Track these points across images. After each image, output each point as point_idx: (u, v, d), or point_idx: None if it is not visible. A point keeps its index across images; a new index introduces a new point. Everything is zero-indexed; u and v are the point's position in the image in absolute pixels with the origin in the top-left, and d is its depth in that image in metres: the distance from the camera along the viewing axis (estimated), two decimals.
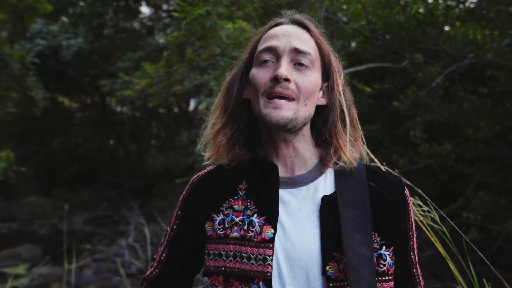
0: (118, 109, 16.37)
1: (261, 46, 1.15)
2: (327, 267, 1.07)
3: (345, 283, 1.06)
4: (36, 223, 12.86)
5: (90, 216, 13.33)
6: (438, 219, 1.71)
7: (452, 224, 1.77)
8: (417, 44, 5.77)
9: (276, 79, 1.09)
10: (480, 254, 1.66)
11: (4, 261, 9.65)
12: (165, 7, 14.37)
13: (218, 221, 1.18)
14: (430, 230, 1.69)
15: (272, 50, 1.13)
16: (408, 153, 5.46)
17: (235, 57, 5.32)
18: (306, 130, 1.19)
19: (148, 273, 1.30)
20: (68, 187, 15.33)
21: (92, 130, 16.20)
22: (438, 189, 5.97)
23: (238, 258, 1.12)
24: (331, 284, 1.07)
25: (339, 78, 1.19)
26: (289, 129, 1.13)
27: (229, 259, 1.13)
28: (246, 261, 1.11)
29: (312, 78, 1.13)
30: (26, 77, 7.95)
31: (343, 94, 1.18)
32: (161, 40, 12.82)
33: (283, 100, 1.10)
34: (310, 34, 1.17)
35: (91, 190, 15.24)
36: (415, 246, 1.19)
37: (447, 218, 1.75)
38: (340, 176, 1.18)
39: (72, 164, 16.02)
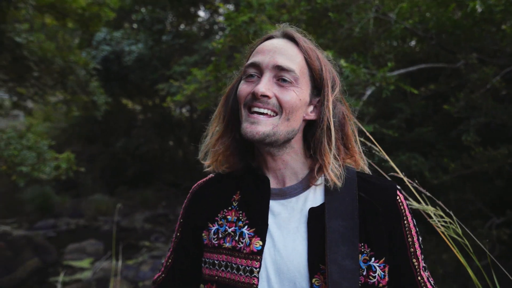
0: (177, 111, 16.90)
1: (249, 61, 1.17)
2: (313, 280, 1.08)
3: None
4: (100, 219, 13.60)
5: (150, 214, 13.89)
6: (460, 231, 1.65)
7: (476, 239, 1.70)
8: (473, 43, 5.50)
9: (254, 95, 1.11)
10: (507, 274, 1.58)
11: (71, 255, 10.30)
12: (221, 10, 14.66)
13: (213, 230, 1.21)
14: (451, 242, 1.63)
15: (256, 65, 1.14)
16: (461, 157, 5.22)
17: None
18: (296, 143, 1.20)
19: (156, 276, 1.37)
20: (130, 186, 16.06)
21: (153, 131, 16.83)
22: (493, 195, 5.65)
23: (229, 269, 1.15)
24: None
25: (331, 93, 1.16)
26: (269, 144, 1.14)
27: (221, 268, 1.17)
28: (236, 272, 1.14)
29: (295, 93, 1.12)
30: (89, 82, 8.42)
31: (333, 110, 1.16)
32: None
33: (261, 116, 1.11)
34: (299, 49, 1.16)
35: (151, 189, 15.86)
36: (418, 253, 1.15)
37: (469, 232, 1.67)
38: (330, 186, 1.17)
39: (134, 164, 16.74)
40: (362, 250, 1.10)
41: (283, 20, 5.63)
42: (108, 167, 16.91)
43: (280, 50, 1.14)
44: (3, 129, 5.74)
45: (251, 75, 1.16)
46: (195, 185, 1.36)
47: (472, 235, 1.69)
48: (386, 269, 1.11)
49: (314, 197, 1.18)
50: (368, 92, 5.86)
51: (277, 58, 1.13)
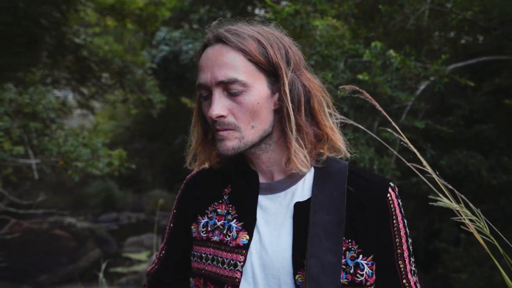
0: None
1: (197, 80, 1.12)
2: (297, 276, 1.05)
3: None
4: (159, 214, 14.09)
5: None
6: (487, 231, 1.51)
7: (507, 241, 1.55)
8: None
9: (211, 120, 1.08)
10: None
11: (130, 247, 10.77)
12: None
13: (202, 223, 1.20)
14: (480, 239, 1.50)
15: (202, 87, 1.10)
16: None
17: (326, 55, 5.25)
18: (277, 136, 1.15)
19: (149, 268, 1.37)
20: None
21: None
22: None
23: (214, 262, 1.14)
24: None
25: (285, 74, 1.08)
26: (248, 148, 1.11)
27: (208, 262, 1.15)
28: (221, 266, 1.12)
29: (249, 100, 1.06)
30: (146, 81, 8.71)
31: (290, 91, 1.09)
32: None
33: (225, 132, 1.08)
34: (235, 49, 1.06)
35: None
36: (405, 255, 1.09)
37: (498, 232, 1.53)
38: (319, 180, 1.13)
39: None
40: (350, 246, 1.06)
41: (331, 14, 5.50)
42: (168, 164, 17.47)
43: (216, 62, 1.06)
44: (67, 127, 6.08)
45: (205, 96, 1.11)
46: (189, 175, 1.34)
47: (501, 234, 1.54)
48: (374, 267, 1.06)
49: (302, 191, 1.14)
50: (422, 87, 5.59)
51: (216, 73, 1.06)
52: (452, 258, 5.47)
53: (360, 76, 4.74)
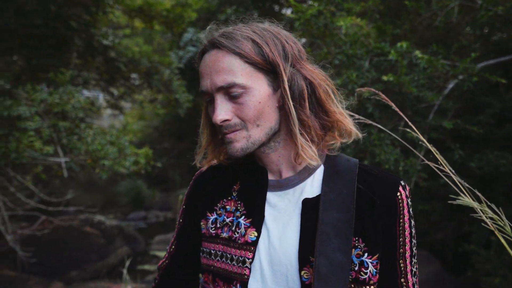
0: None
1: (200, 86, 1.13)
2: (302, 272, 1.05)
3: None
4: None
5: None
6: (509, 229, 1.46)
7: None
8: None
9: (216, 125, 1.09)
10: None
11: (158, 245, 10.92)
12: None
13: (211, 220, 1.21)
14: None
15: (204, 93, 1.11)
16: None
17: (350, 55, 5.19)
18: (284, 133, 1.15)
19: (160, 263, 1.38)
20: None
21: None
22: None
23: (224, 259, 1.15)
24: None
25: (284, 71, 1.08)
26: (255, 150, 1.12)
27: (217, 258, 1.16)
28: (229, 262, 1.13)
29: (251, 101, 1.07)
30: (172, 81, 8.83)
31: (290, 87, 1.08)
32: None
33: (232, 134, 1.09)
34: (231, 53, 1.07)
35: None
36: (407, 255, 1.09)
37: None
38: (329, 177, 1.13)
39: None
40: (356, 244, 1.06)
41: (355, 11, 5.43)
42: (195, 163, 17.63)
43: (214, 68, 1.07)
44: (95, 126, 6.22)
45: (209, 101, 1.13)
46: (197, 172, 1.36)
47: None
48: (379, 266, 1.06)
49: (311, 188, 1.14)
50: (450, 86, 5.45)
51: (215, 79, 1.07)
52: (483, 261, 5.31)
53: (385, 77, 4.66)
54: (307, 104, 1.10)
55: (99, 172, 5.34)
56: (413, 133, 1.70)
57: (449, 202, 1.89)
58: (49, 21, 6.12)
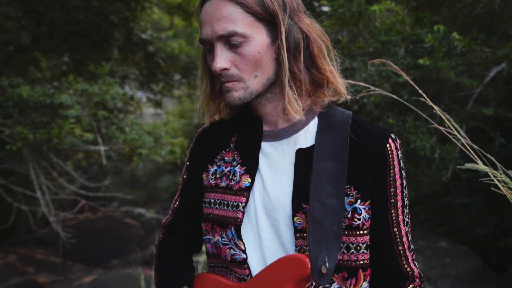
0: None
1: (199, 35, 1.14)
2: (295, 218, 1.09)
3: None
4: None
5: None
6: None
7: None
8: None
9: (215, 73, 1.10)
10: None
11: None
12: None
13: (211, 171, 1.25)
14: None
15: (204, 41, 1.11)
16: None
17: (385, 42, 5.10)
18: (280, 85, 1.15)
19: (164, 220, 1.42)
20: None
21: None
22: None
23: (221, 206, 1.19)
24: (298, 235, 1.09)
25: (282, 22, 1.08)
26: (254, 98, 1.14)
27: (216, 206, 1.20)
28: (225, 208, 1.17)
29: (250, 51, 1.08)
30: None
31: (286, 39, 1.09)
32: None
33: (230, 83, 1.10)
34: (234, 2, 1.07)
35: None
36: (399, 205, 1.12)
37: None
38: (322, 129, 1.15)
39: None
40: (348, 192, 1.09)
41: None
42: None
43: (215, 16, 1.07)
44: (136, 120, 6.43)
45: (208, 49, 1.13)
46: (200, 129, 1.39)
47: None
48: (371, 212, 1.10)
49: (305, 139, 1.17)
50: (492, 74, 5.26)
51: (216, 27, 1.07)
52: None
53: (421, 61, 4.55)
54: (301, 57, 1.12)
55: (136, 160, 5.51)
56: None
57: (458, 166, 1.84)
58: (91, 17, 6.37)
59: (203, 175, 1.28)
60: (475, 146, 1.60)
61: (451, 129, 1.67)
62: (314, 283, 1.08)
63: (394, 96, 1.79)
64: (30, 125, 5.01)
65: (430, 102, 1.75)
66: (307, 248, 1.04)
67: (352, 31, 5.64)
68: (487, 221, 6.30)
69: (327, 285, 1.09)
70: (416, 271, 1.15)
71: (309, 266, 0.98)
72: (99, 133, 5.54)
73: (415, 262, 1.16)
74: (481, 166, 1.58)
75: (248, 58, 1.09)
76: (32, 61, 7.01)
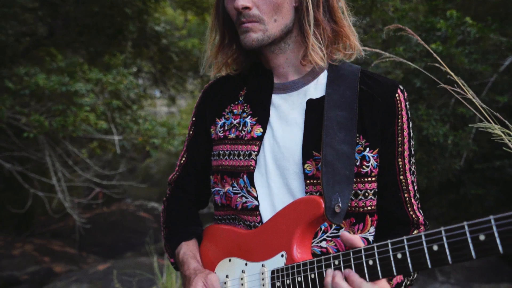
0: None
1: None
2: (306, 165, 1.12)
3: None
4: None
5: None
6: None
7: None
8: None
9: (237, 10, 1.12)
10: None
11: None
12: None
13: (219, 124, 1.28)
14: None
15: None
16: None
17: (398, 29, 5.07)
18: (295, 34, 1.19)
19: (171, 176, 1.44)
20: None
21: None
22: None
23: (231, 156, 1.21)
24: (308, 181, 1.11)
25: None
26: (269, 45, 1.16)
27: (225, 157, 1.23)
28: (237, 158, 1.20)
29: None
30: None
31: None
32: None
33: (249, 24, 1.13)
34: None
35: None
36: (406, 154, 1.16)
37: None
38: (332, 80, 1.18)
39: None
40: (358, 141, 1.12)
41: None
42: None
43: None
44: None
45: None
46: (206, 85, 1.42)
47: None
48: (379, 160, 1.13)
49: (315, 91, 1.20)
50: (507, 62, 5.20)
51: None
52: None
53: (433, 46, 4.52)
54: (321, 7, 1.15)
55: (149, 149, 5.57)
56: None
57: (470, 125, 1.84)
58: (105, 9, 6.45)
59: (211, 129, 1.30)
60: (486, 107, 1.61)
61: (465, 93, 1.68)
62: (323, 228, 1.11)
63: (409, 63, 1.79)
64: (46, 113, 5.10)
65: (446, 68, 1.76)
66: (319, 192, 1.07)
67: (365, 22, 5.62)
68: (502, 212, 6.22)
69: (335, 231, 1.11)
70: (421, 218, 1.17)
71: (323, 205, 1.00)
72: (113, 123, 5.61)
73: (420, 210, 1.18)
74: (493, 126, 1.58)
75: (270, 1, 1.12)
76: (48, 55, 7.13)
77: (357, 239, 0.91)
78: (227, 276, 1.17)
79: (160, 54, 8.88)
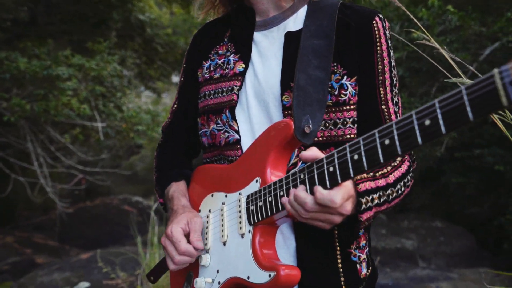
0: None
1: None
2: (283, 97, 1.14)
3: None
4: None
5: None
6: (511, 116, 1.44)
7: None
8: None
9: None
10: None
11: None
12: None
13: (206, 66, 1.31)
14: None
15: None
16: None
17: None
18: None
19: (163, 124, 1.47)
20: None
21: None
22: None
23: (216, 95, 1.24)
24: (286, 112, 1.13)
25: None
26: None
27: (210, 97, 1.25)
28: (220, 95, 1.23)
29: None
30: None
31: None
32: None
33: None
34: None
35: None
36: (387, 83, 1.15)
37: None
38: (311, 13, 1.20)
39: None
40: (335, 70, 1.13)
41: None
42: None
43: None
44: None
45: None
46: (196, 31, 1.45)
47: None
48: (357, 89, 1.13)
49: (294, 24, 1.22)
50: (487, 52, 5.30)
51: None
52: None
53: (415, 34, 4.59)
54: None
55: (134, 137, 5.55)
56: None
57: (445, 80, 1.87)
58: None
59: (198, 72, 1.33)
60: (458, 59, 1.64)
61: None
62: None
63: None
64: (28, 97, 5.06)
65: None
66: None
67: None
68: (482, 200, 6.34)
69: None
70: None
71: (293, 126, 1.01)
72: (97, 110, 5.58)
73: None
74: (462, 79, 1.61)
75: None
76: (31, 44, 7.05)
77: (316, 151, 0.92)
78: (209, 211, 1.19)
79: (145, 46, 8.84)
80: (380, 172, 1.03)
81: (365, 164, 0.79)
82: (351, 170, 0.82)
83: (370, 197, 0.97)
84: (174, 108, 1.44)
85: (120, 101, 5.80)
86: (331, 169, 0.86)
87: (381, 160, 0.77)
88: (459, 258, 5.74)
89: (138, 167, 17.06)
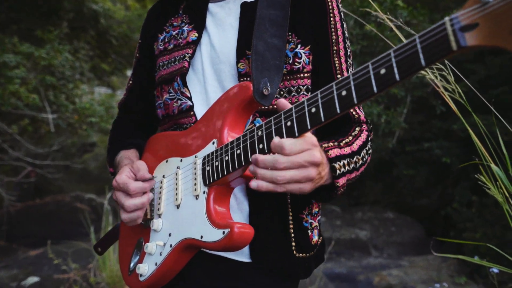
0: None
1: None
2: (239, 64, 1.15)
3: None
4: None
5: None
6: (458, 90, 1.52)
7: (468, 83, 1.58)
8: None
9: None
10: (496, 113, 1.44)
11: None
12: None
13: (160, 39, 1.30)
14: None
15: None
16: None
17: None
18: None
19: (119, 101, 1.46)
20: None
21: None
22: None
23: (169, 64, 1.23)
24: (241, 79, 1.14)
25: None
26: None
27: (164, 68, 1.25)
28: (172, 64, 1.22)
29: None
30: None
31: None
32: None
33: None
34: None
35: None
36: (341, 53, 1.18)
37: (463, 78, 1.57)
38: None
39: None
40: (290, 39, 1.15)
41: None
42: None
43: None
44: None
45: None
46: (151, 7, 1.44)
47: (466, 81, 1.55)
48: (311, 57, 1.16)
49: None
50: None
51: None
52: (464, 220, 5.38)
53: (367, 28, 4.72)
54: None
55: (86, 129, 5.38)
56: None
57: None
58: None
59: (154, 45, 1.32)
60: (413, 32, 1.70)
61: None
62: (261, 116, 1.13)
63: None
64: None
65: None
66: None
67: None
68: (431, 192, 6.61)
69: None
70: (362, 115, 1.18)
71: (252, 88, 1.02)
72: (47, 101, 5.37)
73: (361, 109, 1.20)
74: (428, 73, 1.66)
75: None
76: None
77: (284, 101, 0.93)
78: (163, 176, 1.18)
79: (99, 38, 8.60)
80: (344, 141, 1.05)
81: (322, 115, 0.80)
82: (308, 122, 0.83)
83: (342, 162, 0.98)
84: (129, 84, 1.42)
85: (72, 92, 5.60)
86: (288, 123, 0.86)
87: (338, 111, 0.78)
88: (409, 247, 5.96)
89: (91, 166, 16.61)
